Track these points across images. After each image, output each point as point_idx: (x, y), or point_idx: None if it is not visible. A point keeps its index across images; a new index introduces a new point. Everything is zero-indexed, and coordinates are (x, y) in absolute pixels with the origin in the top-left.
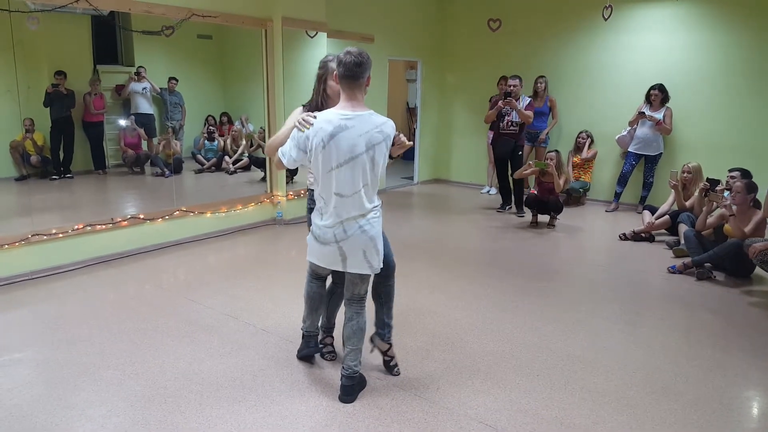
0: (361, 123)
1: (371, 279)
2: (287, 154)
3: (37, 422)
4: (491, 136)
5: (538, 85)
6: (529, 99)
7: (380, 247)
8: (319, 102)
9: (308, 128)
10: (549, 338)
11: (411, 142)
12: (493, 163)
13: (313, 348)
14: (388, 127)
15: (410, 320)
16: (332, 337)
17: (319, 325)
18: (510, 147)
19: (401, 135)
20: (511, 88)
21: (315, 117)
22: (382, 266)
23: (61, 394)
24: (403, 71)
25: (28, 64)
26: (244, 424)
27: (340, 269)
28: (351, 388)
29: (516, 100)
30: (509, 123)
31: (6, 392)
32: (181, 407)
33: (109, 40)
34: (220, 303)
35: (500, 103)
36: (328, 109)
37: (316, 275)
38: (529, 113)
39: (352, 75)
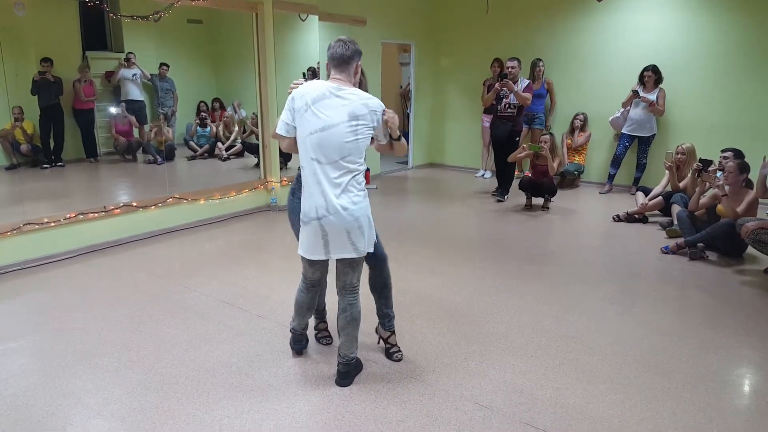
0: (346, 95)
1: (361, 269)
2: (281, 119)
3: (34, 411)
4: (485, 119)
5: (539, 68)
6: (528, 81)
7: (367, 230)
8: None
9: (296, 88)
10: (544, 319)
11: (394, 116)
12: (488, 147)
13: (298, 345)
14: (374, 102)
15: (406, 303)
16: (326, 322)
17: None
18: (507, 130)
19: (388, 113)
20: (509, 69)
21: (303, 82)
22: (371, 251)
23: (57, 383)
24: (397, 55)
25: (15, 52)
26: (241, 409)
27: (323, 257)
28: (347, 374)
29: (514, 82)
30: (507, 105)
31: (2, 381)
32: (177, 393)
33: (97, 25)
34: (215, 290)
35: (497, 85)
36: (320, 79)
37: (309, 282)
38: (527, 95)
39: (340, 63)
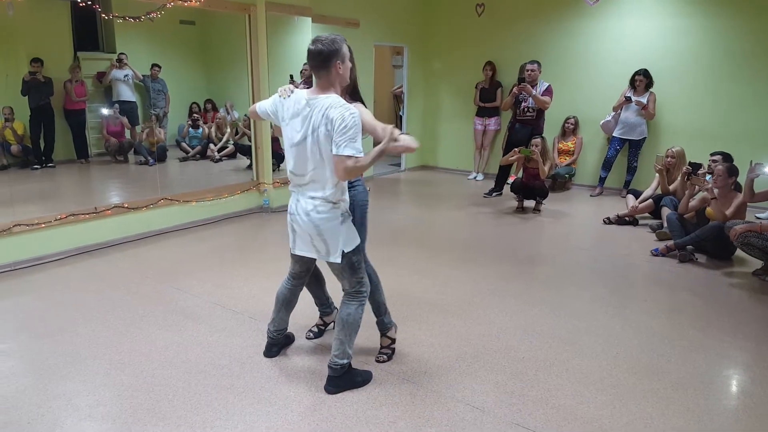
0: (316, 106)
1: (350, 276)
2: (262, 104)
3: (24, 413)
4: (477, 122)
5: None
6: (548, 84)
7: (331, 240)
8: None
9: (287, 96)
10: (535, 321)
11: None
12: (480, 149)
13: (268, 352)
14: (333, 111)
15: (398, 305)
16: (323, 320)
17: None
18: (527, 134)
19: (395, 132)
20: (528, 72)
21: (293, 91)
22: (338, 261)
23: (47, 385)
24: (389, 57)
25: (6, 52)
26: (232, 411)
27: (292, 249)
28: (333, 380)
29: (533, 86)
30: (526, 109)
31: None
32: (168, 395)
33: (89, 26)
34: (207, 291)
35: (515, 89)
36: (305, 89)
37: (290, 274)
38: (547, 98)
39: (315, 65)
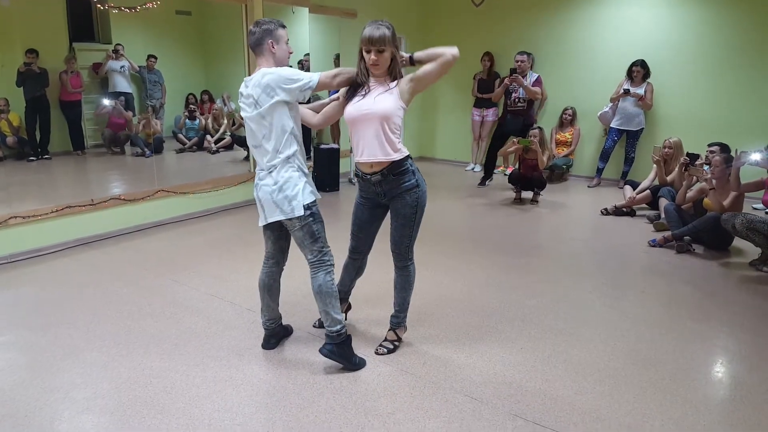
0: (251, 85)
1: (310, 243)
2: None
3: (22, 405)
4: (476, 113)
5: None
6: (537, 75)
7: (291, 191)
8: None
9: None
10: (533, 312)
11: None
12: (478, 141)
13: (266, 344)
14: (268, 77)
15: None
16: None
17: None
18: (519, 124)
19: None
20: (518, 63)
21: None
22: (300, 213)
23: (44, 377)
24: None
25: (1, 43)
26: (231, 403)
27: (262, 221)
28: (329, 346)
29: (523, 76)
30: (516, 100)
31: None
32: (167, 388)
33: (84, 16)
34: (204, 284)
35: (506, 80)
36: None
37: (266, 254)
38: (537, 89)
39: (252, 43)
